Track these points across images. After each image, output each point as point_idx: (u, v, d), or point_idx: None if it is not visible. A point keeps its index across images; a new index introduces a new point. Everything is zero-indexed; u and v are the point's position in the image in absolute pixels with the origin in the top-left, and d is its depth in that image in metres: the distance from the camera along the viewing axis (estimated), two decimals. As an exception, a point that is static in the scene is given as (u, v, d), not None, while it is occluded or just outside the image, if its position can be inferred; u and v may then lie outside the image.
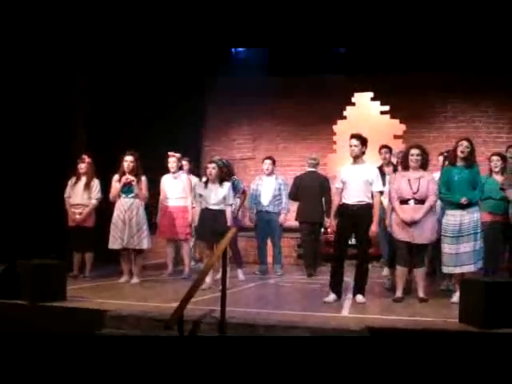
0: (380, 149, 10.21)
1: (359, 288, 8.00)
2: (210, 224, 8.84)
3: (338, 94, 13.67)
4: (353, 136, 8.11)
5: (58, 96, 11.00)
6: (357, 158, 8.05)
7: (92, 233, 9.97)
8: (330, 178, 10.89)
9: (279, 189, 10.88)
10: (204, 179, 9.26)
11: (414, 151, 8.08)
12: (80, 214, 9.85)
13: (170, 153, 10.32)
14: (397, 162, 9.35)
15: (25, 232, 9.84)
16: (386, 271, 9.47)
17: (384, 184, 8.41)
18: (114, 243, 9.44)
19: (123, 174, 9.47)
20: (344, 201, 8.03)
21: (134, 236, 9.42)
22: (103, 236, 9.57)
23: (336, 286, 8.01)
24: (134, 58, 11.79)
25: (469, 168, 7.70)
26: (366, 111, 13.84)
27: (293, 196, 10.83)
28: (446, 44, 12.08)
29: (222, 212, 8.91)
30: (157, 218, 10.50)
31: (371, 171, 8.05)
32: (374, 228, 7.92)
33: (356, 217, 7.89)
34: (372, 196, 7.97)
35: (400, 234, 7.97)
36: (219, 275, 7.56)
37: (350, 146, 8.04)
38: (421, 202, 7.87)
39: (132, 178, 9.42)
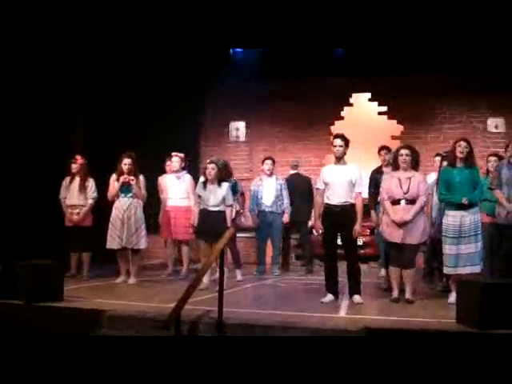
0: (379, 150, 10.21)
1: (354, 288, 7.99)
2: (209, 225, 8.83)
3: (335, 95, 13.69)
4: (337, 136, 8.06)
5: (58, 96, 11.00)
6: (340, 159, 8.03)
7: (89, 233, 9.98)
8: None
9: (280, 189, 10.91)
10: (202, 179, 9.26)
11: (404, 151, 8.07)
12: (77, 214, 9.87)
13: (173, 153, 10.33)
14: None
15: (23, 232, 9.83)
16: (382, 272, 9.47)
17: None
18: (112, 243, 9.45)
19: (121, 174, 9.48)
20: (327, 201, 7.98)
21: (133, 236, 9.43)
22: (101, 236, 9.57)
23: (332, 287, 8.01)
24: (134, 59, 11.78)
25: (469, 168, 7.68)
26: (363, 112, 13.85)
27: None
28: (444, 45, 12.10)
29: (222, 213, 8.90)
30: (158, 218, 10.50)
31: (354, 172, 8.00)
32: (357, 228, 7.90)
33: (340, 218, 7.86)
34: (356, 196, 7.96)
35: (390, 235, 7.98)
36: (217, 275, 7.56)
37: (335, 146, 7.97)
38: (412, 202, 7.86)
39: (130, 177, 9.43)
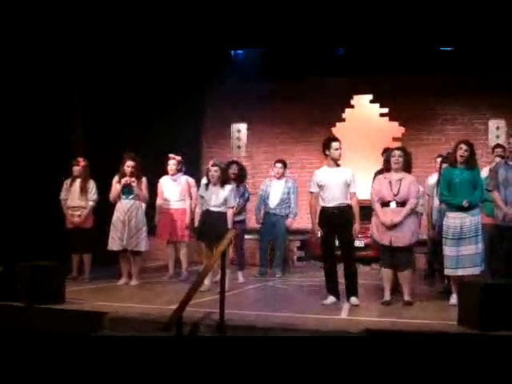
0: (383, 152, 10.22)
1: (351, 290, 7.98)
2: (211, 226, 8.83)
3: (337, 97, 13.70)
4: (335, 139, 8.11)
5: (58, 96, 11.01)
6: (337, 161, 8.05)
7: (91, 234, 9.99)
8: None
9: (288, 192, 10.89)
10: (205, 181, 9.26)
11: (395, 152, 8.09)
12: (79, 216, 9.87)
13: (170, 155, 10.32)
14: None
15: (23, 234, 9.83)
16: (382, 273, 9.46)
17: None
18: (113, 244, 9.46)
19: (123, 175, 9.48)
20: (324, 204, 7.99)
21: (133, 237, 9.44)
22: (102, 238, 9.58)
23: (332, 289, 8.02)
24: (134, 59, 11.79)
25: (470, 169, 7.67)
26: (365, 113, 13.86)
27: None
28: (445, 46, 12.11)
29: (223, 214, 8.90)
30: (155, 220, 10.50)
31: (348, 173, 8.03)
32: (357, 227, 7.93)
33: (337, 219, 7.88)
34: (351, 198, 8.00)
35: (380, 237, 7.97)
36: (218, 277, 7.56)
37: (336, 150, 7.99)
38: (402, 204, 7.84)
39: (132, 179, 9.44)
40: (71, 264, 9.89)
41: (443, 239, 7.68)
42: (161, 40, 11.41)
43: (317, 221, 8.06)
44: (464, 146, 7.67)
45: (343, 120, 13.90)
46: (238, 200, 9.86)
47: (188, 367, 5.00)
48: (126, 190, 9.50)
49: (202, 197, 9.06)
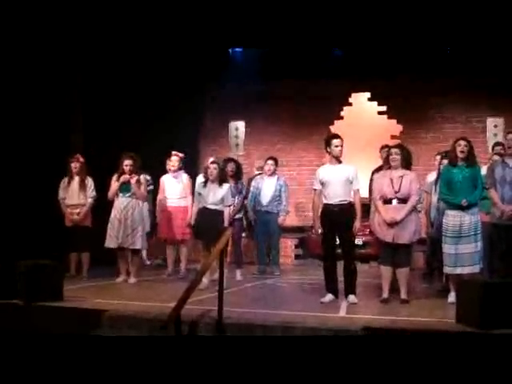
0: (381, 149, 10.23)
1: (349, 288, 7.97)
2: (207, 224, 8.84)
3: (335, 95, 13.69)
4: (336, 136, 8.12)
5: (57, 96, 11.00)
6: (338, 158, 8.05)
7: (89, 232, 9.99)
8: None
9: (280, 190, 10.89)
10: (202, 179, 9.27)
11: (393, 150, 8.10)
12: (78, 214, 9.87)
13: (173, 152, 10.31)
14: None
15: (22, 232, 9.83)
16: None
17: None
18: (110, 242, 9.47)
19: (122, 173, 9.49)
20: (326, 201, 8.00)
21: (129, 235, 9.44)
22: (101, 236, 9.58)
23: (331, 287, 8.01)
24: (134, 59, 11.78)
25: (470, 167, 7.67)
26: (363, 112, 13.86)
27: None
28: (443, 45, 12.12)
29: (220, 212, 8.91)
30: (157, 218, 10.51)
31: (350, 170, 8.03)
32: (357, 224, 7.94)
33: (338, 217, 7.88)
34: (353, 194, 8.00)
35: (381, 234, 7.96)
36: (216, 275, 7.56)
37: (337, 147, 7.99)
38: (403, 201, 7.82)
39: (132, 175, 9.44)
40: (70, 262, 9.89)
41: (442, 237, 7.68)
42: (160, 40, 11.39)
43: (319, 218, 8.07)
44: (463, 142, 7.67)
45: (341, 118, 13.90)
46: (237, 198, 9.87)
47: (186, 367, 5.00)
48: (124, 187, 9.51)
49: (200, 194, 9.07)
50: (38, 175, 10.25)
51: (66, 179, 10.00)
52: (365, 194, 8.77)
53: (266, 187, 10.91)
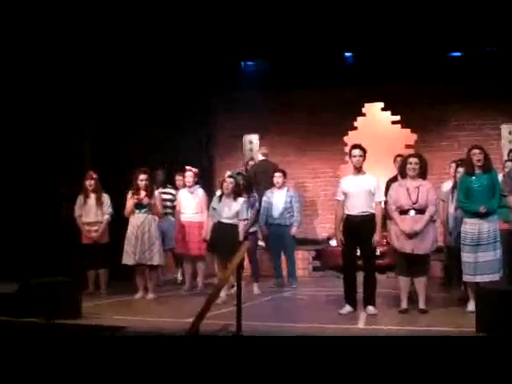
0: (395, 158, 10.21)
1: (369, 299, 7.97)
2: (222, 238, 8.85)
3: (348, 105, 13.67)
4: (355, 146, 8.14)
5: (66, 112, 11.04)
6: (359, 169, 8.05)
7: (107, 249, 10.01)
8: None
9: (290, 201, 10.84)
10: (219, 193, 9.30)
11: (412, 159, 8.06)
12: (96, 231, 9.90)
13: (187, 167, 10.33)
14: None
15: (39, 250, 9.87)
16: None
17: None
18: (128, 259, 9.49)
19: (137, 190, 9.51)
20: (347, 212, 8.02)
21: (146, 252, 9.46)
22: (118, 252, 9.60)
23: (350, 298, 8.00)
24: (145, 72, 11.81)
25: (487, 173, 7.64)
26: (376, 121, 13.82)
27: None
28: (455, 52, 12.10)
29: (235, 226, 8.92)
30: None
31: (372, 181, 8.04)
32: (377, 238, 7.92)
33: (359, 228, 7.88)
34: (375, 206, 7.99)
35: (400, 246, 7.92)
36: (234, 289, 7.56)
37: (354, 157, 8.03)
38: (421, 211, 7.81)
39: (142, 197, 9.45)
40: (88, 279, 9.92)
41: (461, 245, 7.64)
42: (172, 54, 11.43)
43: (340, 229, 8.06)
44: (477, 150, 7.66)
45: (355, 128, 13.86)
46: (250, 211, 9.83)
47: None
48: (140, 204, 9.53)
49: (214, 209, 9.08)
50: (53, 193, 10.30)
51: (81, 196, 10.04)
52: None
53: (277, 200, 10.85)
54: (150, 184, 9.61)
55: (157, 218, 9.72)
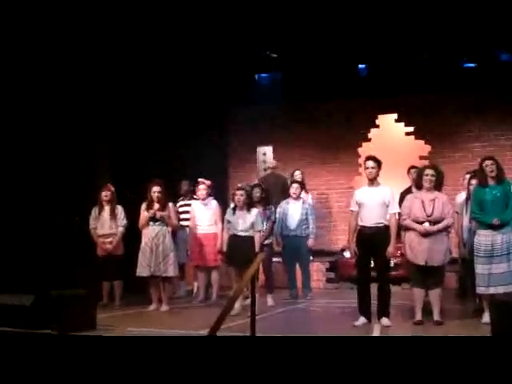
0: (409, 169, 10.18)
1: (383, 311, 7.94)
2: (238, 250, 8.85)
3: (361, 117, 13.68)
4: (369, 158, 8.13)
5: (82, 127, 11.10)
6: (373, 180, 8.04)
7: (122, 261, 10.04)
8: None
9: (306, 213, 10.80)
10: (232, 205, 9.31)
11: (429, 171, 8.04)
12: (110, 243, 9.93)
13: (200, 179, 10.36)
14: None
15: (55, 262, 9.91)
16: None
17: None
18: (142, 271, 9.52)
19: (151, 202, 9.55)
20: (361, 223, 8.01)
21: (161, 263, 9.48)
22: (132, 264, 9.63)
23: (364, 309, 7.98)
24: (159, 88, 11.87)
25: (501, 184, 7.62)
26: (390, 133, 13.81)
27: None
28: (470, 63, 12.09)
29: (251, 238, 8.92)
30: (187, 245, 10.55)
31: (387, 193, 8.03)
32: (391, 249, 7.89)
33: (373, 239, 7.87)
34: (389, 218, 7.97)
35: (413, 257, 7.91)
36: (248, 300, 7.56)
37: (367, 168, 8.03)
38: (436, 224, 7.82)
39: (156, 211, 9.48)
40: (102, 291, 9.95)
41: (475, 257, 7.62)
42: (186, 66, 11.48)
43: (354, 240, 8.05)
44: (489, 161, 7.65)
45: (369, 140, 13.85)
46: (265, 223, 9.81)
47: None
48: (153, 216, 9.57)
49: (229, 221, 9.09)
50: (67, 206, 10.35)
51: (96, 208, 10.09)
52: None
53: (293, 211, 10.79)
54: (164, 196, 9.63)
55: (173, 229, 9.76)
